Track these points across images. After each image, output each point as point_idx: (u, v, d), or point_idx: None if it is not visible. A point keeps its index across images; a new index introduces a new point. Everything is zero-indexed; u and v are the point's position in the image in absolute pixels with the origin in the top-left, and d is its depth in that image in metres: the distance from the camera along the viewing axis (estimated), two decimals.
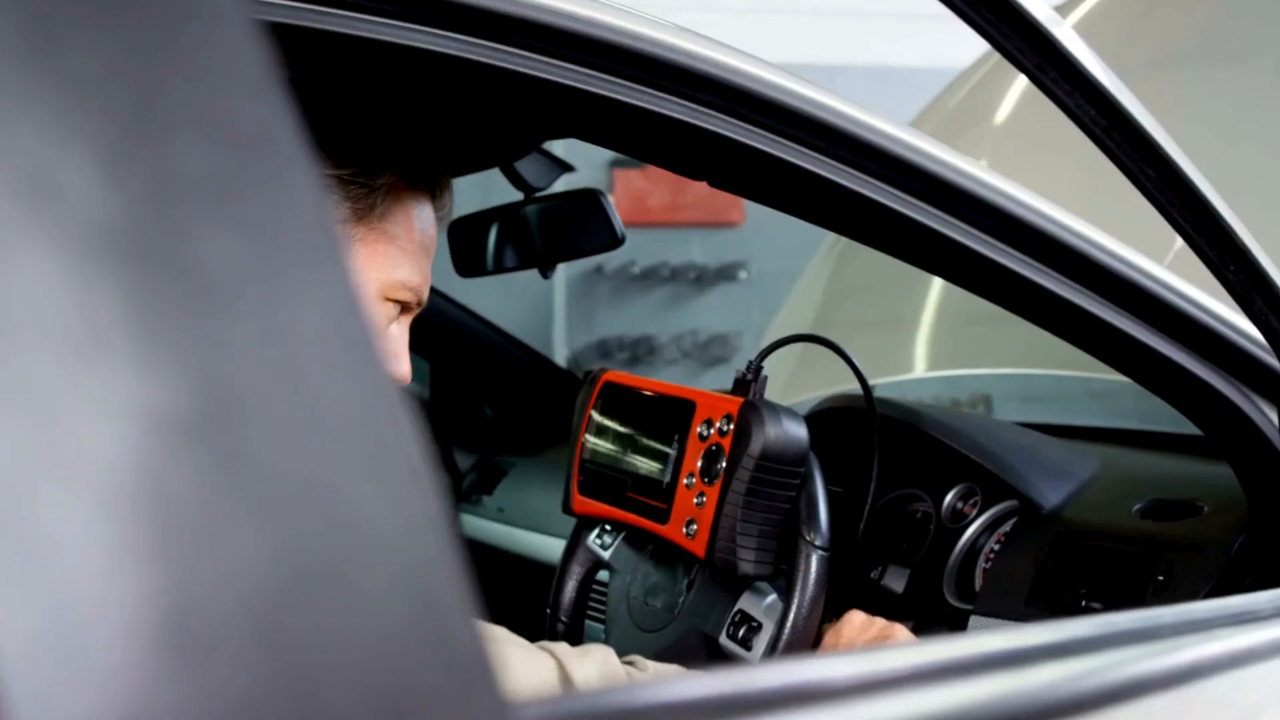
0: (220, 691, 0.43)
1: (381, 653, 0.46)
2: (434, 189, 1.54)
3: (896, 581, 1.76)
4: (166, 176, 0.47)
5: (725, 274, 5.88)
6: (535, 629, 2.47)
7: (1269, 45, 2.90)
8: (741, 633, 1.69)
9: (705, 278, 5.91)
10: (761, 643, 1.67)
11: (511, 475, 2.89)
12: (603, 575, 1.97)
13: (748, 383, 1.71)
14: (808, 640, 1.61)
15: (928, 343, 3.20)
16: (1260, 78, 2.82)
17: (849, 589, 1.70)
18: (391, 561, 0.48)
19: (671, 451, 1.72)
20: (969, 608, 1.76)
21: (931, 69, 4.61)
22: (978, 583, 1.84)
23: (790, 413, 1.64)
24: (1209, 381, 1.46)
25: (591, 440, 1.88)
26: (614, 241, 2.05)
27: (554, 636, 1.93)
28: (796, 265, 5.96)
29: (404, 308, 1.51)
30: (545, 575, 2.56)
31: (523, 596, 2.41)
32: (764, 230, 5.72)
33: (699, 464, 1.67)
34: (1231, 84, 2.86)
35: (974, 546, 1.89)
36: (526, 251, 2.13)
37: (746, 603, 1.71)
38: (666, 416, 1.75)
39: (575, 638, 1.94)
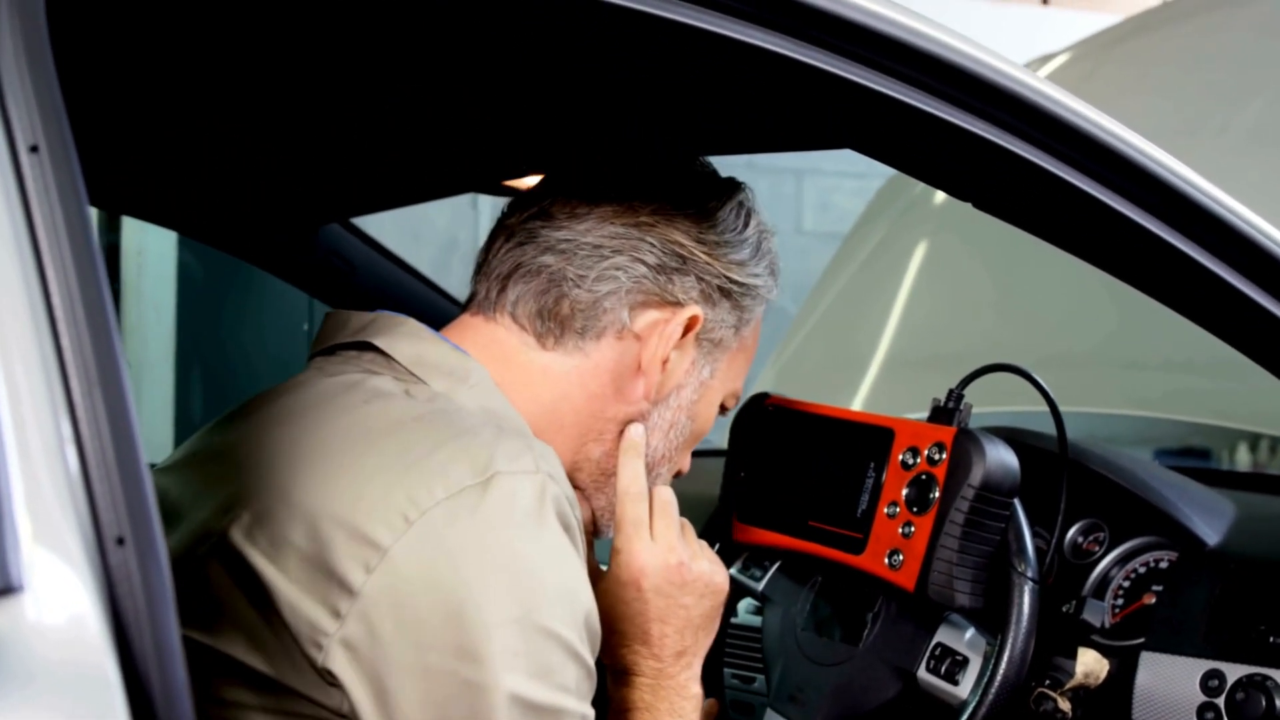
0: None
1: None
2: None
3: (1094, 615, 1.74)
4: None
5: None
6: None
7: (1222, 117, 2.99)
8: (945, 667, 1.65)
9: None
10: (969, 677, 1.63)
11: None
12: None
13: (950, 410, 1.68)
14: (1022, 674, 1.58)
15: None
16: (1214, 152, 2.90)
17: (1044, 623, 1.67)
18: None
19: (868, 479, 1.67)
20: (1138, 642, 1.75)
21: None
22: (1107, 620, 1.83)
23: (1004, 442, 1.62)
24: None
25: (755, 466, 1.82)
26: None
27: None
28: None
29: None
30: None
31: None
32: None
33: (904, 493, 1.63)
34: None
35: (1104, 581, 1.88)
36: None
37: (946, 636, 1.67)
38: (858, 443, 1.71)
39: (713, 671, 1.88)
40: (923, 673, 1.67)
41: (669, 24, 1.12)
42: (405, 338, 1.37)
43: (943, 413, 1.68)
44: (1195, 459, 5.07)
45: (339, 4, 1.25)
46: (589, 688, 1.22)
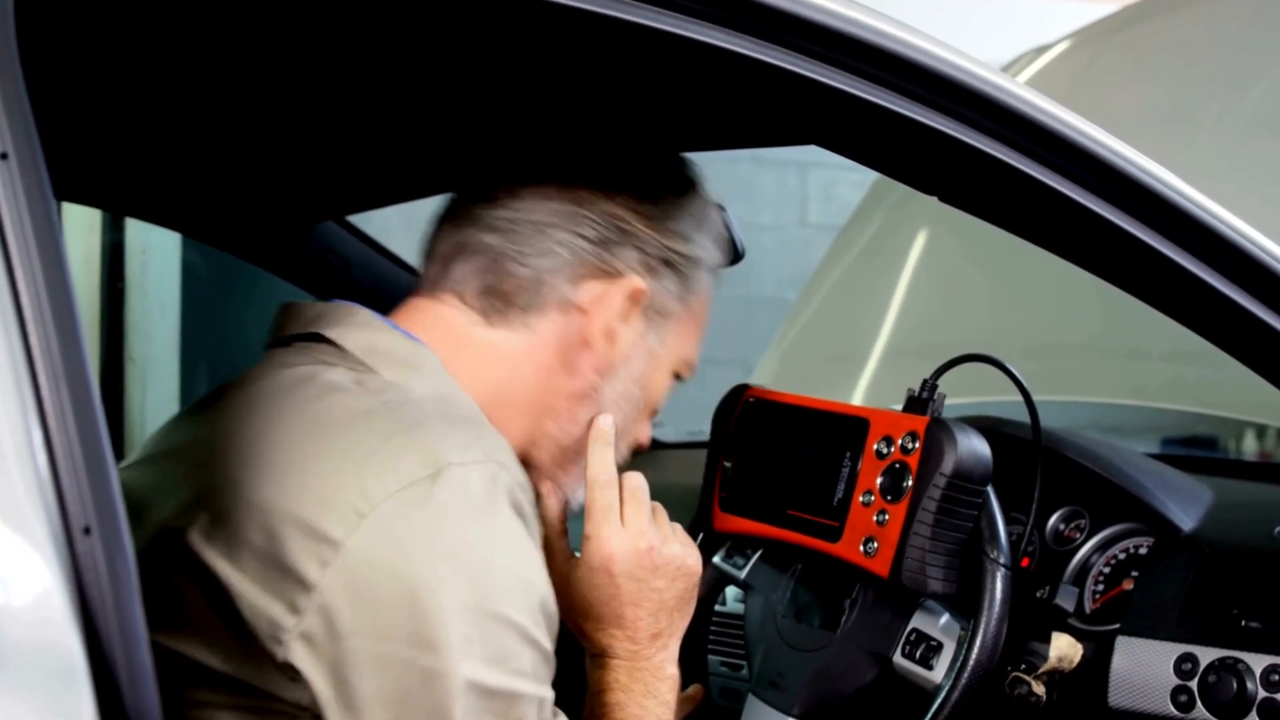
0: None
1: None
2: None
3: (1067, 600, 1.77)
4: None
5: None
6: None
7: (1220, 105, 3.00)
8: (920, 651, 1.68)
9: None
10: (943, 661, 1.66)
11: None
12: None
13: (924, 400, 1.71)
14: (995, 658, 1.61)
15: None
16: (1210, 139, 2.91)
17: (1019, 608, 1.70)
18: None
19: (844, 469, 1.71)
20: (1114, 628, 1.78)
21: None
22: (1087, 605, 1.86)
23: (976, 431, 1.64)
24: None
25: (736, 456, 1.85)
26: (735, 258, 2.02)
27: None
28: None
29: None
30: None
31: None
32: None
33: (878, 481, 1.66)
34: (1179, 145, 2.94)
35: (1084, 567, 1.91)
36: None
37: (920, 621, 1.70)
38: (834, 433, 1.74)
39: (697, 659, 1.91)
40: (898, 658, 1.70)
41: (641, 29, 1.15)
42: (356, 328, 1.39)
43: (917, 403, 1.71)
44: (1200, 449, 5.07)
45: (334, 3, 1.29)
46: (547, 671, 1.24)
